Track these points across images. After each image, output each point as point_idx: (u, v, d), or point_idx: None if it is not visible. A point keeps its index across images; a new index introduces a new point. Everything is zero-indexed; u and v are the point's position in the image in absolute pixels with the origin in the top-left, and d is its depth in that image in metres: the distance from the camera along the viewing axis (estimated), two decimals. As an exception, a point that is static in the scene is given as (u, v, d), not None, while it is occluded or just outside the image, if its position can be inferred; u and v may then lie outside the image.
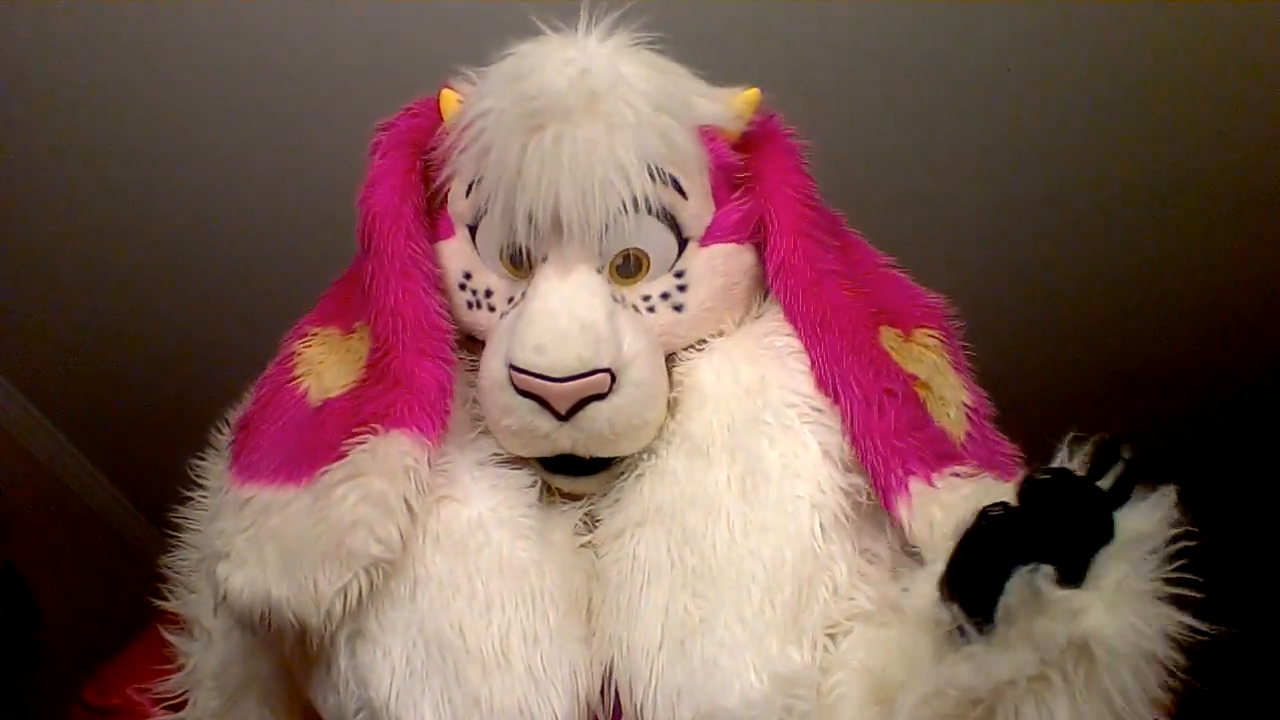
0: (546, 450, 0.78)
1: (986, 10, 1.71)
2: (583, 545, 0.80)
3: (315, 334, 0.88)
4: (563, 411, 0.75)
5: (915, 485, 0.74)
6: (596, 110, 0.78)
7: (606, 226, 0.78)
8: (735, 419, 0.78)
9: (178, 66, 1.74)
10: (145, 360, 2.29)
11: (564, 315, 0.75)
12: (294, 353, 0.87)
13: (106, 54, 1.71)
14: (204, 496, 0.91)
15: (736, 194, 0.85)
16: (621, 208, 0.77)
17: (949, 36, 1.75)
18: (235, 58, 1.74)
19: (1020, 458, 0.82)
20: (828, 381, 0.79)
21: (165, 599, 0.94)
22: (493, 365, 0.79)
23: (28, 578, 2.21)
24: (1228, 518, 2.81)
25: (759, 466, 0.76)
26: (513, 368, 0.75)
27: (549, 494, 0.82)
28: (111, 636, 1.04)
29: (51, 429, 2.41)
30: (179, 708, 0.91)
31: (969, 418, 0.82)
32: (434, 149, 0.85)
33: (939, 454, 0.76)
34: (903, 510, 0.73)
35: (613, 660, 0.74)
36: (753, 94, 0.87)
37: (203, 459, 0.86)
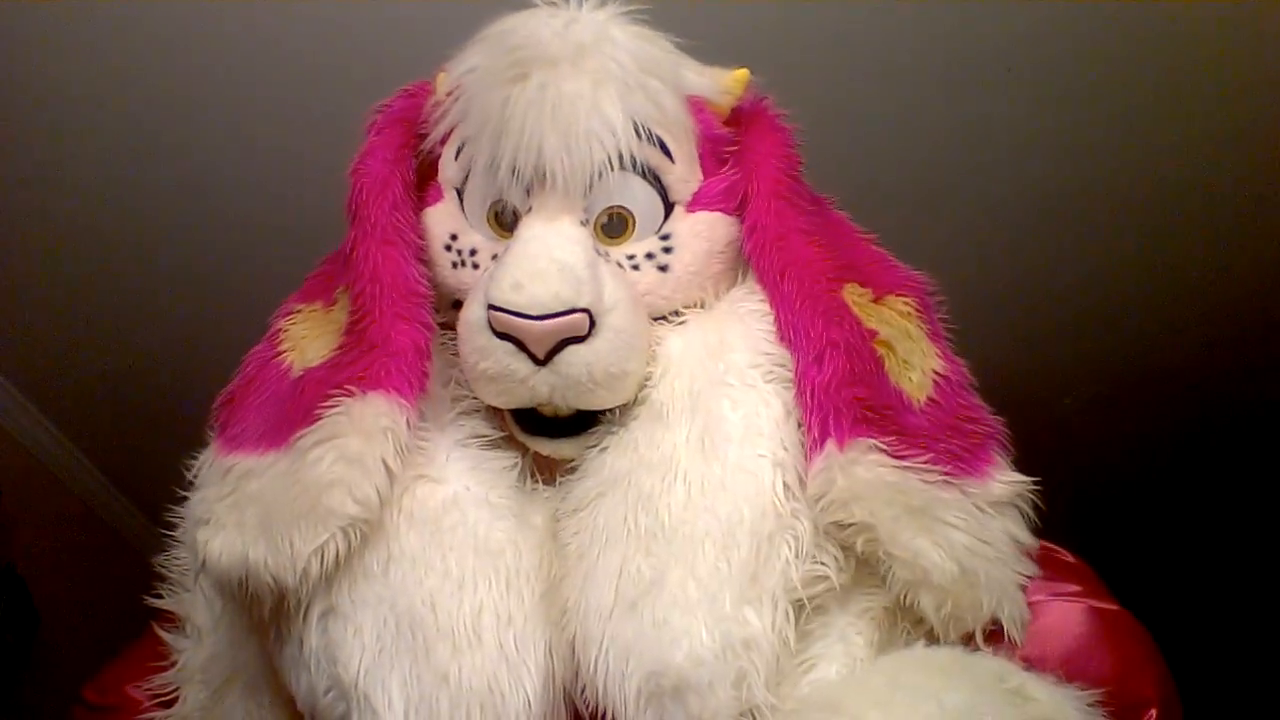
0: (525, 398, 0.77)
1: (985, 12, 1.71)
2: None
3: (300, 310, 0.88)
4: (540, 355, 0.74)
5: (829, 446, 0.73)
6: (582, 65, 0.78)
7: (591, 181, 0.78)
8: (697, 382, 0.78)
9: (177, 68, 1.74)
10: (145, 360, 2.30)
11: (543, 257, 0.75)
12: (279, 329, 0.87)
13: (106, 55, 1.71)
14: None
15: (724, 167, 0.85)
16: (607, 162, 0.78)
17: (947, 38, 1.75)
18: (234, 59, 1.74)
19: (1001, 431, 0.80)
20: (785, 334, 0.79)
21: (162, 598, 0.94)
22: (472, 309, 0.78)
23: (28, 578, 2.21)
24: (1227, 519, 2.82)
25: (720, 427, 0.75)
26: (491, 307, 0.74)
27: (531, 479, 0.81)
28: (111, 636, 1.04)
29: (51, 429, 2.41)
30: (173, 704, 0.90)
31: (936, 384, 0.80)
32: (427, 121, 0.86)
33: (876, 410, 0.75)
34: (811, 468, 0.73)
35: (575, 631, 0.72)
36: (742, 73, 0.88)
37: (197, 458, 0.86)
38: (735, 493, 0.72)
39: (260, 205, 2.00)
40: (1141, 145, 1.94)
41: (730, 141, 0.86)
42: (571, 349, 0.74)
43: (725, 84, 0.87)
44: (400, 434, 0.75)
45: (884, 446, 0.73)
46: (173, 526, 0.93)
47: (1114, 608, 0.78)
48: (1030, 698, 0.64)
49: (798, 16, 1.70)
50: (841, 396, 0.74)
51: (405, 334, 0.78)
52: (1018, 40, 1.76)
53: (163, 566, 0.93)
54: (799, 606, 0.72)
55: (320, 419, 0.75)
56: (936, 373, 0.81)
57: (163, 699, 0.90)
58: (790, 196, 0.83)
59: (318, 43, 1.72)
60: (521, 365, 0.75)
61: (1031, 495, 0.78)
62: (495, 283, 0.74)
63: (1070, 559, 0.82)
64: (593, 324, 0.75)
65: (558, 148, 0.76)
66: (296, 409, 0.77)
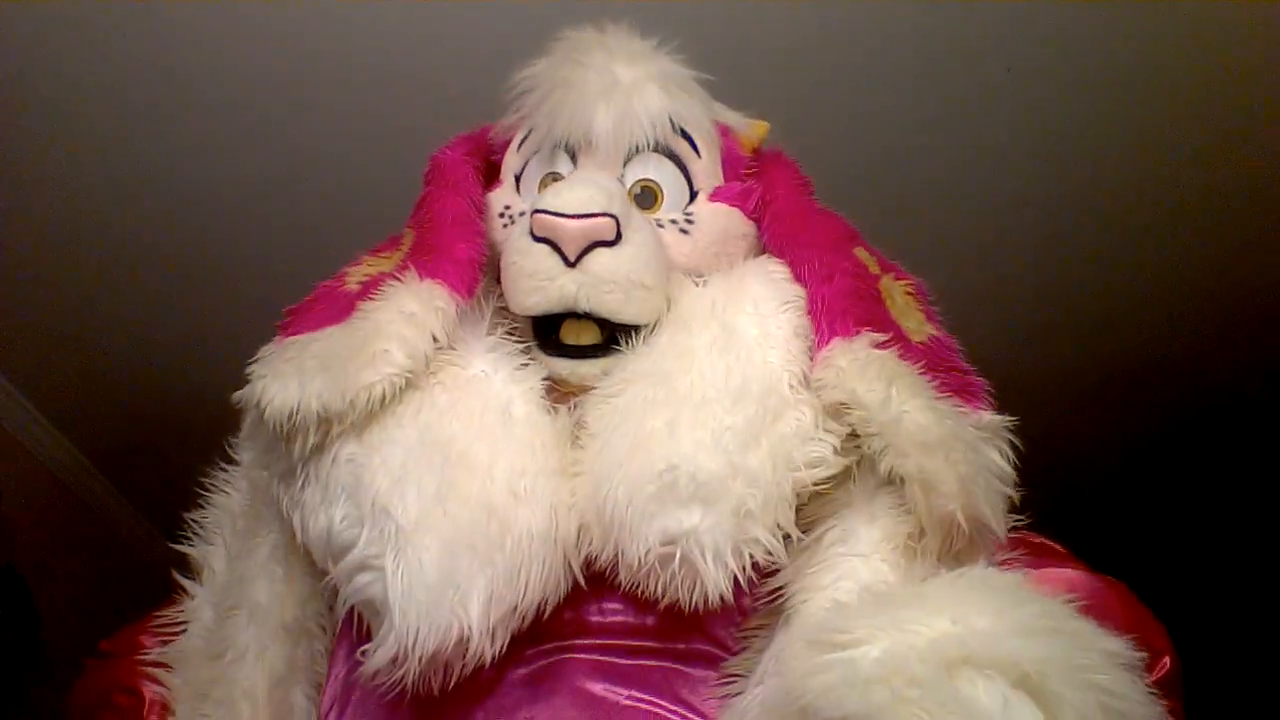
0: (554, 297, 0.85)
1: (985, 12, 1.71)
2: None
3: (367, 260, 0.95)
4: (572, 256, 0.83)
5: (835, 340, 0.81)
6: (633, 66, 0.93)
7: (629, 154, 0.91)
8: (717, 301, 0.86)
9: (181, 67, 1.75)
10: (145, 360, 2.30)
11: (583, 179, 0.87)
12: (346, 272, 0.94)
13: (106, 54, 1.71)
14: (237, 467, 0.98)
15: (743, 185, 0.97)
16: (645, 142, 0.91)
17: (947, 38, 1.76)
18: (238, 60, 1.74)
19: (988, 391, 0.85)
20: (798, 272, 0.88)
21: (170, 590, 0.98)
22: (519, 223, 0.89)
23: (28, 578, 2.21)
24: (1223, 514, 2.82)
25: (735, 335, 0.83)
26: (534, 212, 0.84)
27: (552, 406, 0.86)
28: (111, 636, 1.06)
29: (51, 429, 2.41)
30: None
31: (930, 339, 0.87)
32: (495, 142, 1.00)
33: (875, 321, 0.83)
34: (817, 358, 0.81)
35: (584, 491, 0.78)
36: (763, 124, 1.01)
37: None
38: (746, 374, 0.80)
39: (262, 207, 2.00)
40: (1141, 143, 1.95)
41: (749, 165, 0.98)
42: (599, 250, 0.84)
43: (749, 126, 1.00)
44: (450, 316, 0.84)
45: (885, 340, 0.81)
46: (178, 524, 0.98)
47: (1110, 578, 0.85)
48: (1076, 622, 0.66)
49: (798, 17, 1.71)
50: (848, 302, 0.84)
51: (463, 250, 0.88)
52: (1018, 40, 1.76)
53: (194, 520, 0.99)
54: (806, 497, 0.78)
55: (382, 291, 0.85)
56: (930, 334, 0.88)
57: (170, 639, 0.94)
58: (805, 200, 0.96)
59: (322, 42, 1.73)
60: (554, 264, 0.84)
61: (1011, 436, 0.82)
62: (540, 196, 0.86)
63: (1061, 549, 0.88)
64: (619, 235, 0.84)
65: (606, 117, 0.90)
66: (361, 295, 0.85)
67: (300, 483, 0.82)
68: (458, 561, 0.73)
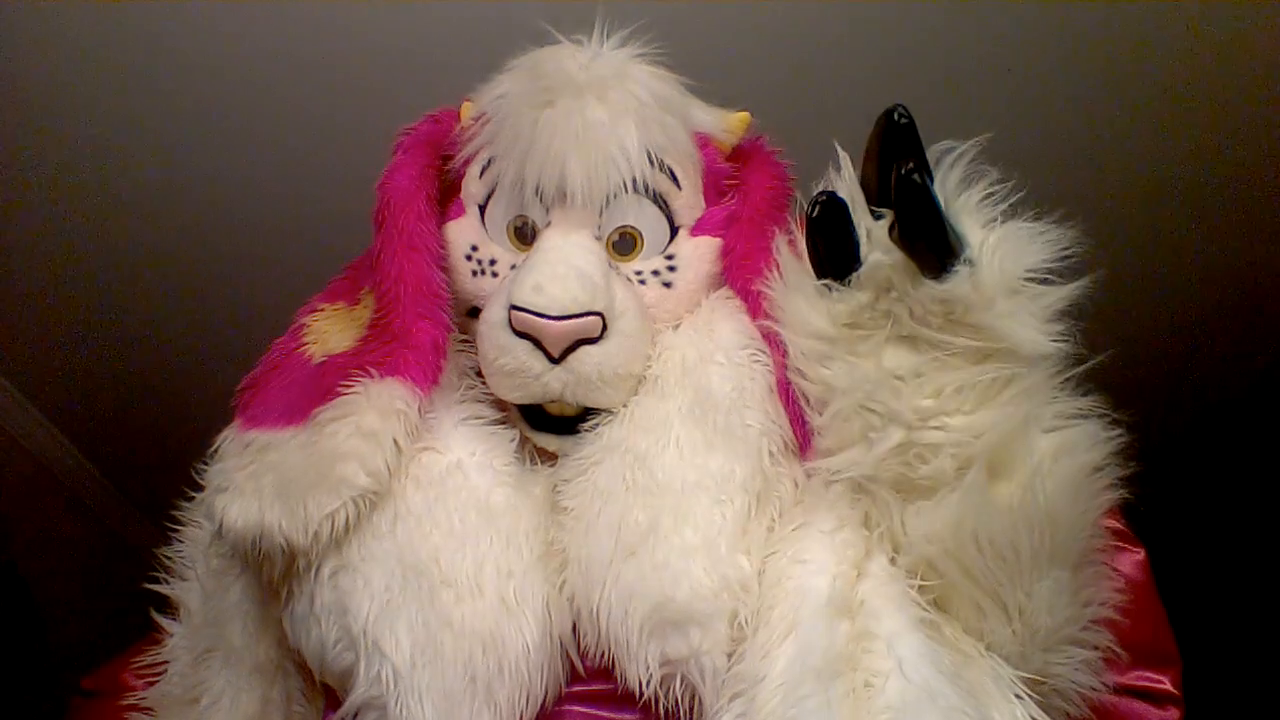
0: (537, 393, 0.82)
1: (986, 10, 1.71)
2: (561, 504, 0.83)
3: (324, 309, 0.93)
4: (556, 353, 0.80)
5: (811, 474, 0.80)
6: (605, 96, 0.86)
7: (607, 200, 0.85)
8: (688, 357, 0.84)
9: (183, 69, 1.75)
10: (145, 360, 2.30)
11: (562, 264, 0.81)
12: (303, 324, 0.92)
13: (107, 55, 1.72)
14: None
15: (724, 199, 0.93)
16: (622, 185, 0.85)
17: (947, 37, 1.76)
18: (238, 60, 1.74)
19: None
20: (762, 330, 0.84)
21: (162, 590, 0.98)
22: (493, 310, 0.84)
23: (28, 578, 2.21)
24: (1223, 516, 2.82)
25: (709, 398, 0.80)
26: (512, 307, 0.80)
27: (531, 461, 0.86)
28: (111, 636, 1.06)
29: (51, 429, 2.41)
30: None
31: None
32: (452, 144, 0.92)
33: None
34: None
35: (574, 583, 0.77)
36: (744, 116, 0.96)
37: (207, 465, 0.89)
38: (727, 453, 0.78)
39: (262, 207, 2.00)
40: (1140, 144, 1.95)
41: (730, 175, 0.94)
42: (585, 349, 0.81)
43: (729, 124, 0.95)
44: (412, 418, 0.80)
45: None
46: (175, 522, 0.98)
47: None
48: None
49: (797, 17, 1.71)
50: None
51: (426, 331, 0.83)
52: (1018, 40, 1.76)
53: (165, 556, 0.98)
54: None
55: (340, 396, 0.81)
56: None
57: (153, 681, 0.94)
58: (763, 223, 0.89)
59: (326, 45, 1.73)
60: (537, 362, 0.81)
61: None
62: (518, 285, 0.81)
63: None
64: (605, 327, 0.81)
65: (579, 168, 0.84)
66: (318, 389, 0.82)
67: (284, 594, 0.81)
68: (460, 706, 0.73)
